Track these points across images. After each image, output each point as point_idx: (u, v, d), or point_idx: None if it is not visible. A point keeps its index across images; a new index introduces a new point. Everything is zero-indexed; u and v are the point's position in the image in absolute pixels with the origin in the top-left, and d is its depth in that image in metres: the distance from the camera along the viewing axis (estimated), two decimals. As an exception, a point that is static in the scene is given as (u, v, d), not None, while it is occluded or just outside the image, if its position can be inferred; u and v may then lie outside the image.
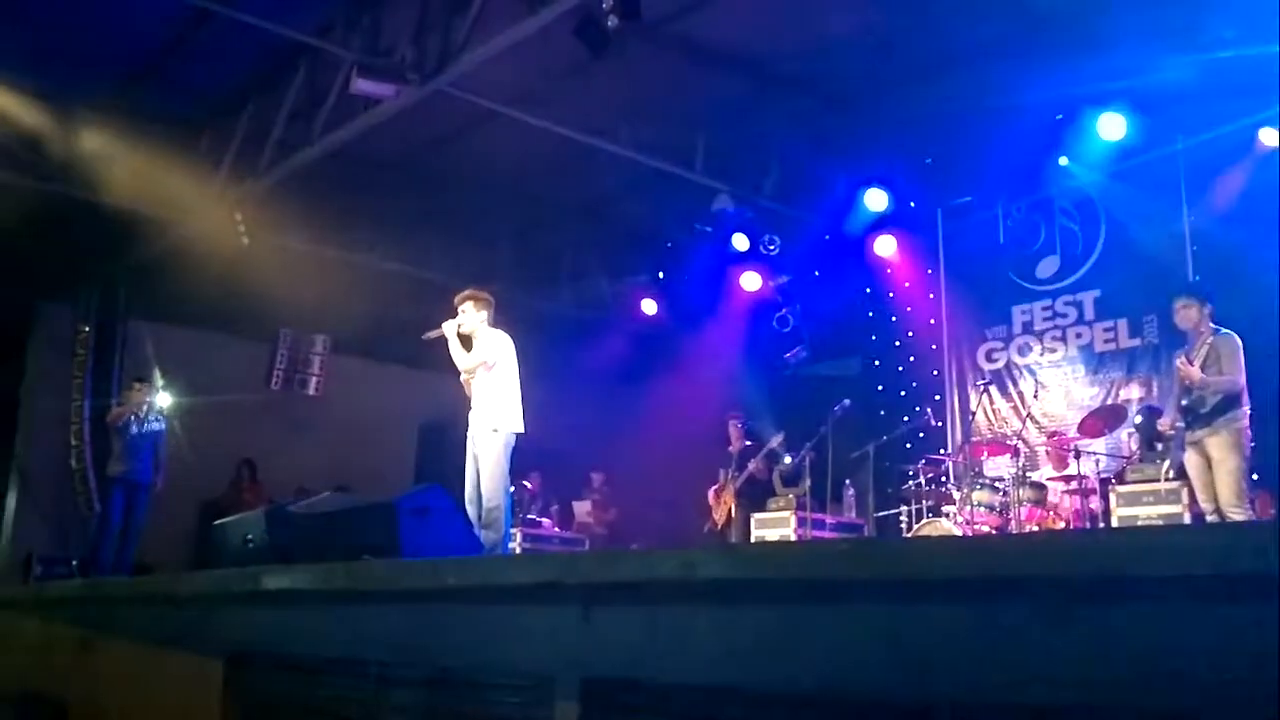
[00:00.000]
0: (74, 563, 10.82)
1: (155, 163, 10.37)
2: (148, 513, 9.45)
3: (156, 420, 9.49)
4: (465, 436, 6.67)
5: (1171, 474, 6.76)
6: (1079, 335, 9.29)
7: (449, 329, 6.71)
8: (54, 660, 7.71)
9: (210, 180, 10.19)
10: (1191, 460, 6.32)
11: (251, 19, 7.98)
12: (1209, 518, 6.20)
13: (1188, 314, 6.42)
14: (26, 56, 8.44)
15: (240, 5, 7.96)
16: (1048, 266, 9.59)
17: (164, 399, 9.71)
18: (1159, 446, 7.20)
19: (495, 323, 6.88)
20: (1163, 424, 6.56)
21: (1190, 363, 6.25)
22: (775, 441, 9.65)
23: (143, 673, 6.28)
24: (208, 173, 10.27)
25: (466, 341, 6.76)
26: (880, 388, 10.72)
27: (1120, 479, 7.41)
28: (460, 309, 6.79)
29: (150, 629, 6.34)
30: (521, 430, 6.56)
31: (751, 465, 9.75)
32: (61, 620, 7.89)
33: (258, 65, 9.38)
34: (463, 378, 6.71)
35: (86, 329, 11.97)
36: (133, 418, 9.32)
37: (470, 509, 6.43)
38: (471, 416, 6.64)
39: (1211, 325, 6.38)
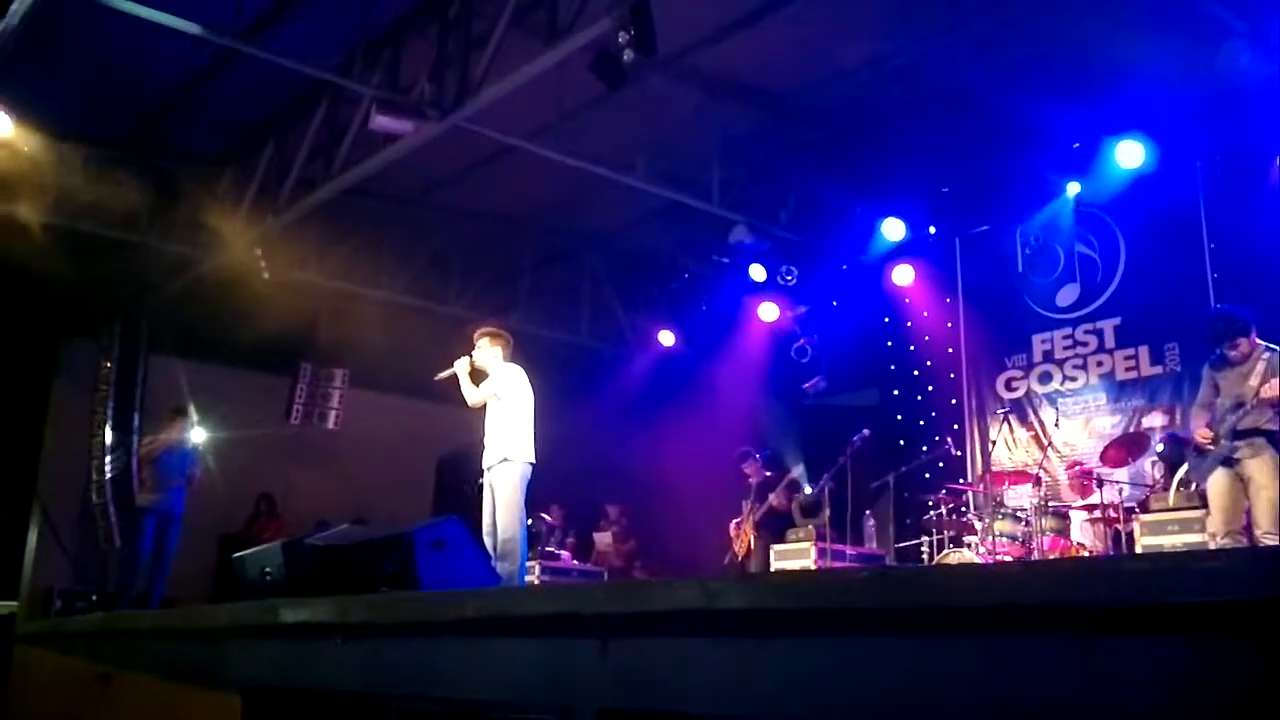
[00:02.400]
0: (94, 597, 10.85)
1: (177, 200, 10.51)
2: (181, 539, 9.44)
3: (189, 452, 9.52)
4: (482, 469, 6.67)
5: (1190, 489, 6.66)
6: (1100, 363, 9.23)
7: (460, 367, 6.74)
8: (75, 694, 7.71)
9: (231, 216, 10.29)
10: (1221, 482, 6.10)
11: (272, 57, 8.08)
12: (1218, 542, 6.04)
13: (1242, 349, 6.18)
14: (50, 96, 8.57)
15: (260, 44, 8.06)
16: (1067, 294, 9.55)
17: (198, 433, 9.76)
18: (1186, 459, 6.96)
19: (512, 358, 6.90)
20: (1203, 435, 6.28)
21: (1246, 379, 6.08)
22: (795, 472, 9.62)
23: (162, 706, 6.27)
24: (229, 209, 10.36)
25: (479, 376, 6.78)
26: (899, 417, 10.66)
27: (1144, 508, 7.32)
28: (477, 344, 6.83)
29: (169, 663, 6.34)
30: (533, 460, 6.56)
31: (772, 497, 9.70)
32: (81, 654, 7.90)
33: (278, 103, 9.49)
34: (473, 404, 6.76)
35: (109, 364, 12.06)
36: (166, 450, 9.35)
37: (488, 541, 6.43)
38: (485, 449, 6.65)
39: (1261, 344, 6.21)
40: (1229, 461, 6.09)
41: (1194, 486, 6.80)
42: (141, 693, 6.66)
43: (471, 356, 6.82)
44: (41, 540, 11.97)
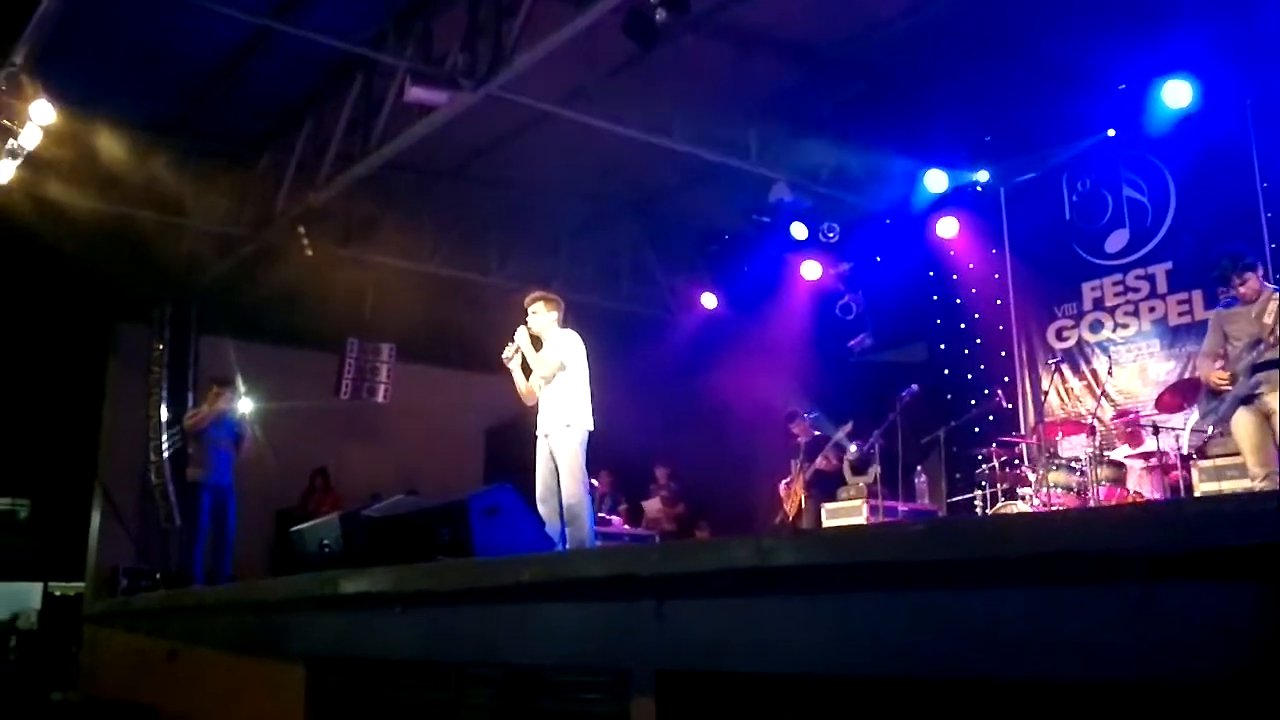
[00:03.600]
0: (157, 575, 11.08)
1: (219, 181, 10.62)
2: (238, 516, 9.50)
3: (236, 425, 9.56)
4: (534, 437, 6.65)
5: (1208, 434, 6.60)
6: (1152, 309, 9.06)
7: (521, 339, 6.66)
8: (143, 669, 7.91)
9: (272, 196, 10.39)
10: (1246, 421, 6.10)
11: (306, 33, 8.11)
12: (1260, 484, 5.99)
13: (1251, 284, 6.28)
14: (91, 82, 8.66)
15: (294, 21, 8.09)
16: (1117, 240, 9.36)
17: (245, 404, 9.77)
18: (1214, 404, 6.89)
19: (565, 323, 6.84)
20: (1219, 377, 6.29)
21: (1260, 318, 6.13)
22: (844, 431, 9.55)
23: (228, 679, 6.41)
24: (270, 189, 10.46)
25: (537, 342, 6.73)
26: (947, 372, 10.55)
27: (1202, 454, 7.20)
28: (531, 310, 6.74)
29: (233, 636, 6.47)
30: (592, 428, 6.55)
31: (820, 458, 9.66)
32: (148, 631, 8.10)
33: (314, 80, 9.54)
34: (532, 382, 6.67)
35: (161, 347, 12.26)
36: (212, 421, 9.39)
37: (542, 509, 6.41)
38: (541, 417, 6.60)
39: (1269, 285, 6.34)
40: (1249, 400, 6.11)
41: (1211, 432, 6.72)
42: (208, 666, 6.82)
43: (527, 324, 6.71)
44: (104, 521, 12.24)
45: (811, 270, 11.47)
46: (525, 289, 11.91)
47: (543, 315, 6.69)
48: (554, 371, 6.50)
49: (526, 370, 6.67)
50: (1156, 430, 7.62)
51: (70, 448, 13.12)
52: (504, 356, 6.65)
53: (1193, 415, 7.90)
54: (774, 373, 11.65)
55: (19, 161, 8.63)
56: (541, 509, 6.41)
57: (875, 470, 8.89)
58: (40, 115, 8.20)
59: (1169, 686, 2.21)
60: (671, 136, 9.47)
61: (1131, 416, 8.25)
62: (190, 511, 9.72)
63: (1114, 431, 8.40)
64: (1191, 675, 2.15)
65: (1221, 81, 8.31)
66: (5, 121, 8.34)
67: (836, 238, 10.96)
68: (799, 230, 11.03)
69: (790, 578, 2.94)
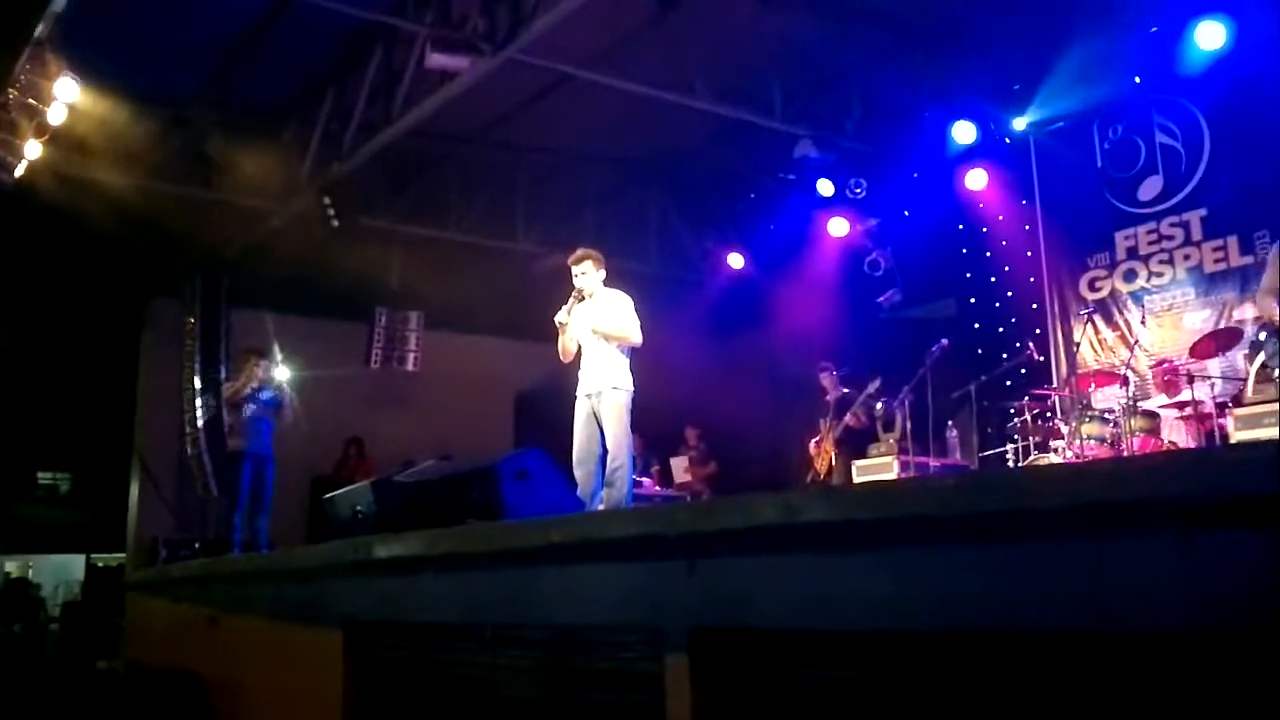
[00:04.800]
0: (196, 545, 11.25)
1: (245, 154, 10.65)
2: (275, 485, 9.60)
3: (275, 393, 9.60)
4: (573, 398, 6.61)
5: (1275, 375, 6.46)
6: (1187, 257, 8.92)
7: (577, 300, 6.61)
8: (186, 637, 8.04)
9: (298, 167, 10.41)
10: None
11: (326, 3, 8.08)
12: None
13: None
14: (114, 58, 8.67)
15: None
16: (1150, 188, 9.20)
17: (282, 372, 9.81)
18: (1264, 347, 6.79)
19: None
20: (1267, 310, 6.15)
21: None
22: (872, 387, 9.50)
23: (268, 645, 6.51)
24: (295, 160, 10.48)
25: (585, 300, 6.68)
26: (977, 326, 10.46)
27: (1238, 401, 7.10)
28: (580, 270, 6.64)
29: (272, 603, 6.56)
30: (633, 390, 6.54)
31: (849, 415, 9.63)
32: (189, 599, 8.23)
33: (335, 50, 9.51)
34: (568, 341, 6.64)
35: (193, 320, 12.37)
36: (250, 391, 9.45)
37: (579, 471, 6.39)
38: (585, 377, 6.54)
39: None
40: None
41: (1277, 374, 6.59)
42: (248, 632, 6.92)
43: (579, 286, 6.63)
44: (143, 493, 12.43)
45: (839, 227, 11.38)
46: (551, 254, 11.99)
47: (592, 274, 6.64)
48: (623, 334, 6.46)
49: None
50: (1192, 379, 7.52)
51: (108, 422, 13.35)
52: (560, 316, 6.59)
53: (1230, 360, 7.82)
54: (803, 331, 11.60)
55: (46, 139, 8.69)
56: (578, 471, 6.40)
57: (905, 426, 8.84)
58: (65, 92, 8.24)
59: (1210, 635, 2.18)
60: (694, 95, 9.39)
61: (1168, 365, 8.14)
62: (228, 481, 9.84)
63: (1150, 381, 8.30)
64: (1232, 623, 2.13)
65: (1255, 21, 8.11)
66: (31, 100, 8.38)
67: (864, 193, 10.86)
68: (825, 187, 10.94)
69: (821, 534, 2.93)
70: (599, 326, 6.50)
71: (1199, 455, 3.76)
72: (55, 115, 8.41)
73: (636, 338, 6.55)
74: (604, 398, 6.40)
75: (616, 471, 6.27)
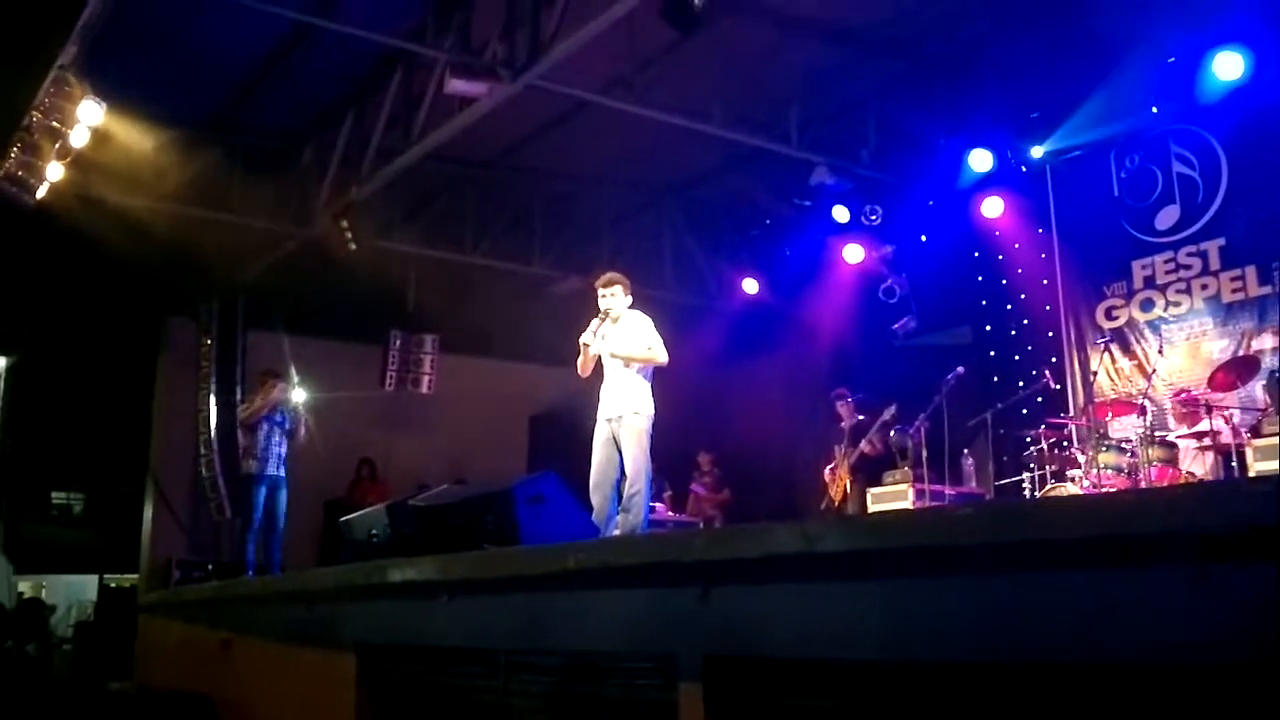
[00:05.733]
0: (209, 567, 11.26)
1: (263, 178, 10.74)
2: (288, 507, 9.58)
3: (289, 416, 9.62)
4: (589, 421, 6.59)
5: None
6: (1205, 286, 8.88)
7: (603, 326, 6.59)
8: (197, 659, 8.05)
9: (315, 190, 10.48)
10: None
11: (346, 28, 8.15)
12: None
13: None
14: (137, 81, 8.77)
15: (334, 16, 8.14)
16: (1167, 217, 9.18)
17: (298, 395, 9.83)
18: None
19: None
20: None
21: None
22: (888, 414, 9.47)
23: (280, 668, 6.50)
24: (313, 183, 10.56)
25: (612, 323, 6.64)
26: (993, 354, 10.41)
27: (1256, 433, 7.05)
28: (609, 292, 6.63)
29: (285, 626, 6.56)
30: (653, 414, 6.53)
31: (864, 443, 9.59)
32: (202, 621, 8.23)
33: (355, 74, 9.59)
34: (588, 360, 6.62)
35: (209, 341, 12.43)
36: (266, 413, 9.45)
37: (595, 495, 6.35)
38: (606, 400, 6.52)
39: None
40: None
41: None
42: (261, 655, 6.92)
43: (606, 310, 6.62)
44: (157, 514, 12.46)
45: (854, 254, 11.38)
46: (567, 278, 12.02)
47: (620, 297, 6.64)
48: (648, 356, 6.46)
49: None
50: (1210, 409, 7.47)
51: (123, 443, 13.39)
52: (585, 338, 6.57)
53: (1249, 391, 7.76)
54: (817, 358, 11.58)
55: (68, 161, 8.78)
56: (594, 495, 6.36)
57: (921, 454, 8.79)
58: (88, 115, 8.32)
59: (1226, 668, 2.16)
60: (711, 121, 9.42)
61: (1187, 395, 8.08)
62: (242, 503, 9.83)
63: (1168, 410, 8.25)
64: (1249, 656, 2.10)
65: (1273, 52, 8.10)
66: (54, 123, 8.48)
67: (879, 220, 10.86)
68: (841, 213, 10.94)
69: (837, 563, 2.92)
70: (618, 350, 6.50)
71: (1215, 487, 3.73)
72: (78, 138, 8.50)
73: (662, 357, 6.54)
74: (624, 422, 6.39)
75: (633, 497, 6.24)
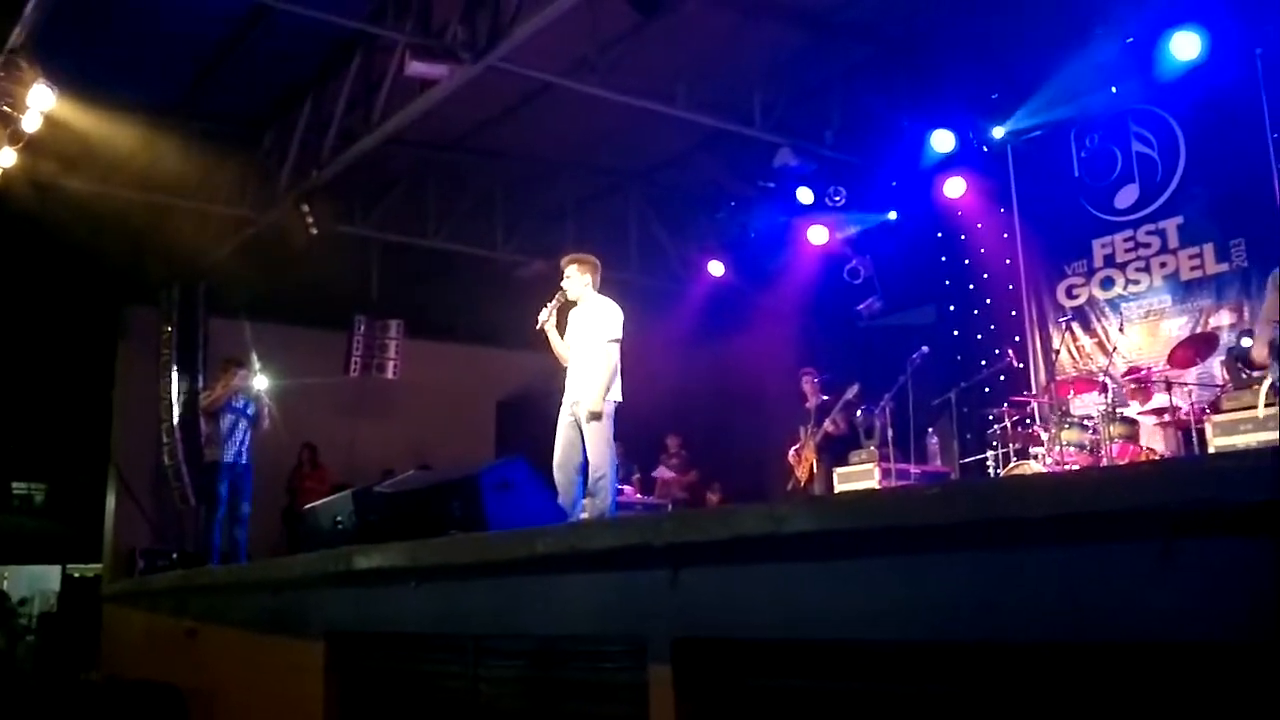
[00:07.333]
0: (174, 555, 11.15)
1: (223, 163, 10.60)
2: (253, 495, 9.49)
3: (252, 402, 9.51)
4: (556, 406, 6.55)
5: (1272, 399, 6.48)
6: (1163, 265, 8.99)
7: (561, 302, 6.54)
8: (164, 648, 7.98)
9: (276, 175, 10.36)
10: None
11: (304, 10, 8.04)
12: None
13: None
14: (91, 66, 8.62)
15: (292, -2, 8.03)
16: (1126, 196, 9.27)
17: (260, 382, 9.71)
18: (1252, 374, 6.89)
19: (599, 288, 6.68)
20: (1258, 355, 6.23)
21: None
22: (850, 393, 9.52)
23: (248, 656, 6.46)
24: (274, 168, 10.44)
25: (569, 308, 6.61)
26: (956, 333, 10.50)
27: (1215, 408, 7.16)
28: (565, 273, 6.60)
29: (252, 614, 6.51)
30: (620, 399, 6.48)
31: (828, 421, 9.64)
32: (167, 611, 8.16)
33: (314, 58, 9.48)
34: (560, 346, 6.60)
35: (170, 329, 12.28)
36: (228, 400, 9.35)
37: (558, 475, 6.33)
38: (571, 385, 6.47)
39: None
40: None
41: None
42: (227, 643, 6.87)
43: (562, 288, 6.58)
44: (120, 503, 12.33)
45: (818, 235, 11.41)
46: (532, 262, 11.96)
47: (576, 278, 6.57)
48: (601, 349, 6.38)
49: (561, 332, 6.60)
50: (1169, 386, 7.58)
51: (84, 432, 13.20)
52: (539, 320, 6.53)
53: (1206, 368, 7.87)
54: (783, 339, 11.62)
55: (20, 146, 8.62)
56: (557, 475, 6.34)
57: (887, 433, 8.86)
58: (40, 100, 8.17)
59: (1194, 645, 2.19)
60: (675, 104, 9.40)
61: (1143, 373, 8.20)
62: (206, 491, 9.73)
63: (1124, 389, 8.37)
64: (1215, 632, 2.14)
65: (1229, 32, 8.19)
66: (5, 107, 8.32)
67: (843, 201, 10.90)
68: (805, 195, 10.97)
69: (805, 544, 2.93)
70: (580, 336, 6.48)
71: (1180, 464, 3.78)
72: (30, 123, 8.34)
73: (608, 352, 6.41)
74: (586, 407, 6.37)
75: (599, 481, 6.24)
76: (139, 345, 12.49)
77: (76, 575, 15.72)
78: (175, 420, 12.03)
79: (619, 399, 6.44)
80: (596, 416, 6.26)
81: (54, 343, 12.56)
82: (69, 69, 8.25)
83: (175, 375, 12.16)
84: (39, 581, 17.76)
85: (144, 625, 8.96)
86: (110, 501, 12.48)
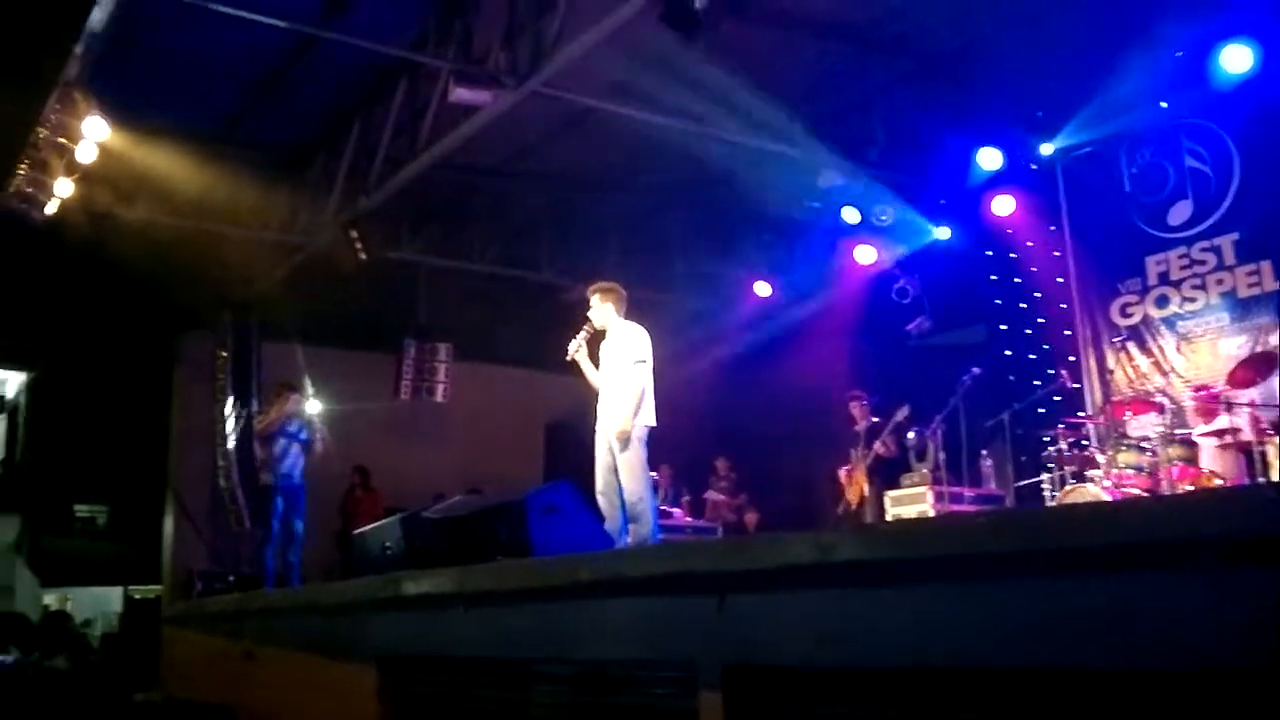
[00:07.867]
0: (231, 578, 11.29)
1: (272, 190, 10.78)
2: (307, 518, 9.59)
3: (306, 427, 9.63)
4: (594, 432, 6.59)
5: None
6: (1220, 282, 8.81)
7: (589, 333, 6.59)
8: (219, 670, 8.07)
9: (324, 202, 10.52)
10: None
11: (349, 39, 8.18)
12: None
13: None
14: (146, 97, 8.83)
15: (337, 28, 8.16)
16: (1180, 212, 9.11)
17: (313, 406, 9.84)
18: None
19: (628, 315, 6.71)
20: None
21: None
22: (901, 415, 9.42)
23: (302, 679, 6.52)
24: (322, 195, 10.60)
25: (601, 336, 6.66)
26: (1009, 353, 10.35)
27: (1278, 430, 6.99)
28: (589, 303, 6.65)
29: (306, 637, 6.57)
30: (653, 424, 6.48)
31: (878, 444, 9.55)
32: (224, 633, 8.26)
33: (360, 86, 9.63)
34: (594, 375, 6.63)
35: (224, 354, 12.49)
36: (282, 424, 9.47)
37: (602, 501, 6.36)
38: (604, 410, 6.51)
39: None
40: None
41: None
42: (284, 666, 6.93)
43: (589, 318, 6.64)
44: (178, 526, 12.52)
45: (865, 254, 11.34)
46: (576, 285, 12.01)
47: (598, 307, 6.62)
48: (626, 375, 6.39)
49: (596, 362, 6.63)
50: (1230, 406, 7.40)
51: (143, 455, 13.45)
52: (569, 351, 6.58)
53: (1269, 387, 7.69)
54: (831, 359, 11.55)
55: (76, 177, 8.83)
56: (601, 501, 6.37)
57: (939, 456, 8.75)
58: (94, 131, 8.37)
59: (1247, 672, 2.14)
60: (718, 124, 9.40)
61: (1207, 392, 7.99)
62: (261, 514, 9.86)
63: (1188, 409, 8.18)
64: (1265, 661, 2.08)
65: (1282, 41, 8.06)
66: (61, 139, 8.53)
67: (890, 220, 10.81)
68: (851, 214, 10.91)
69: (853, 571, 2.91)
70: (605, 363, 6.49)
71: (1235, 493, 3.70)
72: (85, 153, 8.55)
73: (633, 376, 6.41)
74: (615, 428, 6.38)
75: (637, 506, 6.22)
76: (193, 371, 12.72)
77: (138, 596, 15.99)
78: (230, 444, 12.22)
79: (651, 423, 6.43)
80: (626, 440, 6.26)
81: (113, 370, 12.84)
82: (122, 101, 8.45)
83: (230, 400, 12.36)
84: (102, 603, 18.09)
85: (202, 647, 9.06)
86: (168, 525, 12.68)
